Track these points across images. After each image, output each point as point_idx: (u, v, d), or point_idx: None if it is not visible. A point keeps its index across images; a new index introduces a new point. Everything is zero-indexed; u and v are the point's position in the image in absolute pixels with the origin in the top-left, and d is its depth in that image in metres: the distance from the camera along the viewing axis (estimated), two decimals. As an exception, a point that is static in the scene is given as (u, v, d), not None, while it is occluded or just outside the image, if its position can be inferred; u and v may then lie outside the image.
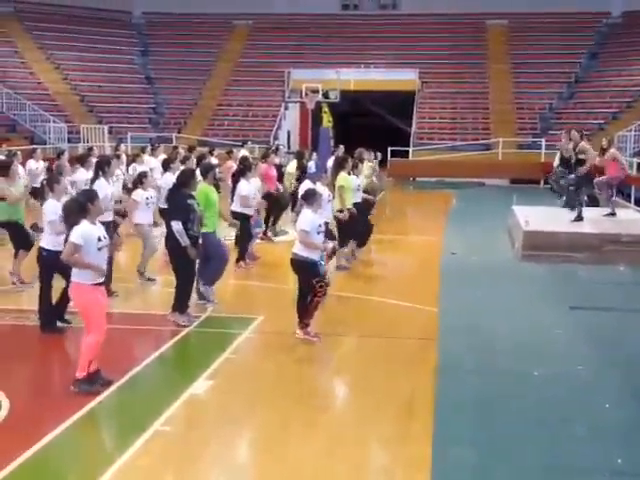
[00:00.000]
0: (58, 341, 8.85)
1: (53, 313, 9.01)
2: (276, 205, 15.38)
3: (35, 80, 33.41)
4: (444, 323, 9.61)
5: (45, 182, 10.07)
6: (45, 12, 36.21)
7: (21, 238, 11.19)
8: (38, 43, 35.10)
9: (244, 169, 12.97)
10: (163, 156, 16.97)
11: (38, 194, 15.50)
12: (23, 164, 15.71)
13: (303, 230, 8.65)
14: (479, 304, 10.82)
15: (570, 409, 7.07)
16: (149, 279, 11.55)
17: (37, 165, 16.41)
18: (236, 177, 13.45)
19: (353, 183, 12.58)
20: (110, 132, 31.22)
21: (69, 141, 29.39)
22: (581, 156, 14.90)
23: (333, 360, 8.64)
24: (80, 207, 7.03)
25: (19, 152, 16.43)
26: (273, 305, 10.43)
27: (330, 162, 17.49)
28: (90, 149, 17.43)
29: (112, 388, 7.20)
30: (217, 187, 11.47)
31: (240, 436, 6.54)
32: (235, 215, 12.34)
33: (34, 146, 22.99)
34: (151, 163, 16.50)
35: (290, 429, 6.52)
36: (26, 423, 6.45)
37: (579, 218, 14.77)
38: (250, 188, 12.62)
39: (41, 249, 9.02)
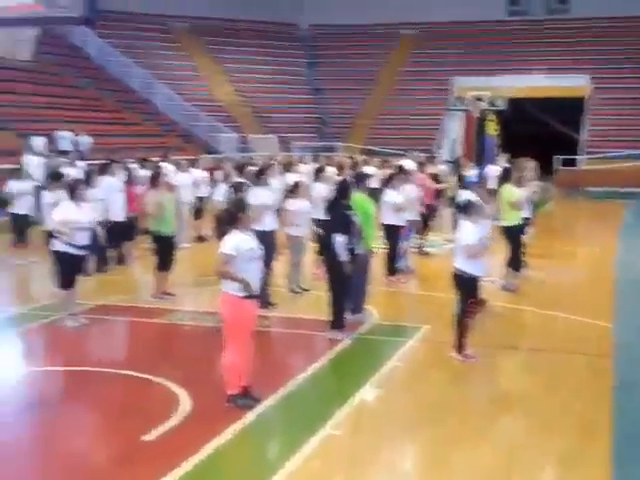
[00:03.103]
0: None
1: None
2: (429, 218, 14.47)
3: (209, 92, 35.00)
4: (620, 339, 9.20)
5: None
6: (217, 27, 37.88)
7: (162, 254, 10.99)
8: (212, 57, 36.76)
9: (390, 178, 12.29)
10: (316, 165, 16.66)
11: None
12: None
13: (467, 244, 8.18)
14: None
15: None
16: (303, 289, 11.40)
17: (201, 175, 16.59)
18: (382, 187, 12.66)
19: (520, 196, 11.78)
20: (279, 142, 32.20)
21: (240, 151, 30.62)
22: None
23: (502, 374, 8.47)
24: (231, 217, 6.94)
25: (183, 162, 16.52)
26: (440, 314, 10.29)
27: (491, 172, 17.06)
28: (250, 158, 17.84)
29: (281, 392, 7.36)
30: (376, 198, 11.03)
31: (409, 445, 6.53)
32: (384, 227, 11.81)
33: (206, 156, 23.66)
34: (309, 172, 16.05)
35: (459, 444, 6.39)
36: (201, 423, 6.66)
37: None
38: (399, 197, 11.84)
39: None
